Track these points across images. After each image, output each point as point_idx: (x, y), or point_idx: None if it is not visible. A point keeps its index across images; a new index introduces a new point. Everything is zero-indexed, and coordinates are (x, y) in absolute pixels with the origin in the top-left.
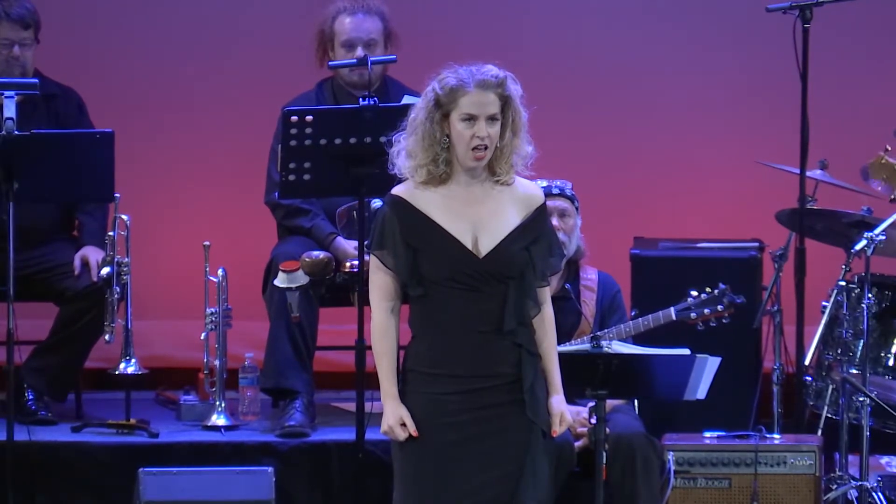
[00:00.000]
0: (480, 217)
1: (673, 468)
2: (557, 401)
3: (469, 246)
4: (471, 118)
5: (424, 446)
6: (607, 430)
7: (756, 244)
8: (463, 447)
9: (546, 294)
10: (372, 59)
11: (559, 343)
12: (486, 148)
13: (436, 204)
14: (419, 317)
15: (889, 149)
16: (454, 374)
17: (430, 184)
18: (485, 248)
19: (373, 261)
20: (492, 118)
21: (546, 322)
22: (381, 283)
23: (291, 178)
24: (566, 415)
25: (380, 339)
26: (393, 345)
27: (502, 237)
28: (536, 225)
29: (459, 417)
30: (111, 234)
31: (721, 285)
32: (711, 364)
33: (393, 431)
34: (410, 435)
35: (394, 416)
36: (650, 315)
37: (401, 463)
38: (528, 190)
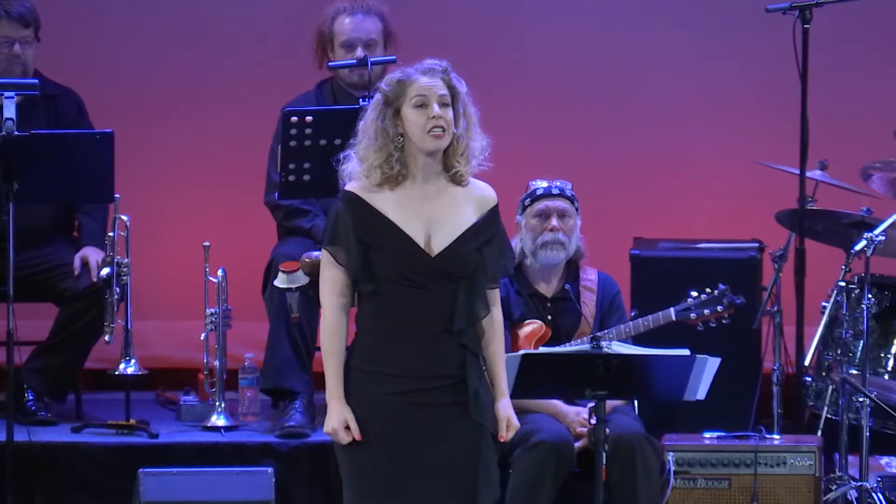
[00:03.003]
0: (434, 215)
1: (673, 468)
2: (504, 405)
3: (421, 244)
4: (422, 103)
5: (368, 448)
6: (607, 430)
7: (756, 244)
8: (408, 449)
9: (496, 296)
10: (372, 59)
11: (559, 343)
12: (443, 130)
13: (390, 201)
14: (367, 313)
15: None
16: (397, 374)
17: (386, 185)
18: (437, 246)
19: (325, 256)
20: (443, 102)
21: (495, 324)
22: (332, 279)
23: (291, 178)
24: (513, 419)
25: (330, 338)
26: (342, 344)
27: (456, 237)
28: (490, 226)
29: (402, 418)
30: (111, 234)
31: (721, 286)
32: (711, 364)
33: (336, 434)
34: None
35: (338, 419)
36: (650, 315)
37: (346, 466)
38: (483, 191)
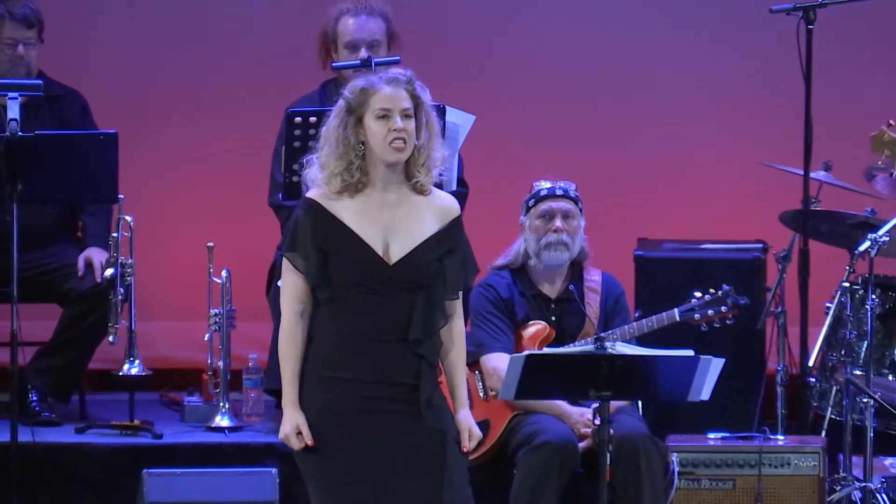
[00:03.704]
0: (394, 223)
1: (677, 469)
2: (465, 415)
3: (380, 252)
4: (385, 115)
5: (323, 454)
6: (611, 431)
7: (760, 245)
8: (364, 455)
9: (456, 307)
10: (375, 60)
11: (563, 344)
12: (404, 142)
13: (350, 209)
14: (325, 318)
15: (892, 123)
16: (352, 379)
17: (346, 192)
18: (396, 255)
19: (284, 263)
20: (406, 115)
21: (455, 335)
22: (292, 285)
23: (295, 179)
24: (475, 429)
25: (287, 345)
26: (299, 350)
27: (415, 245)
28: (451, 237)
29: (357, 424)
30: (115, 235)
31: (725, 286)
32: (715, 365)
33: (289, 440)
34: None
35: (290, 424)
36: (654, 316)
37: (305, 471)
38: (445, 201)
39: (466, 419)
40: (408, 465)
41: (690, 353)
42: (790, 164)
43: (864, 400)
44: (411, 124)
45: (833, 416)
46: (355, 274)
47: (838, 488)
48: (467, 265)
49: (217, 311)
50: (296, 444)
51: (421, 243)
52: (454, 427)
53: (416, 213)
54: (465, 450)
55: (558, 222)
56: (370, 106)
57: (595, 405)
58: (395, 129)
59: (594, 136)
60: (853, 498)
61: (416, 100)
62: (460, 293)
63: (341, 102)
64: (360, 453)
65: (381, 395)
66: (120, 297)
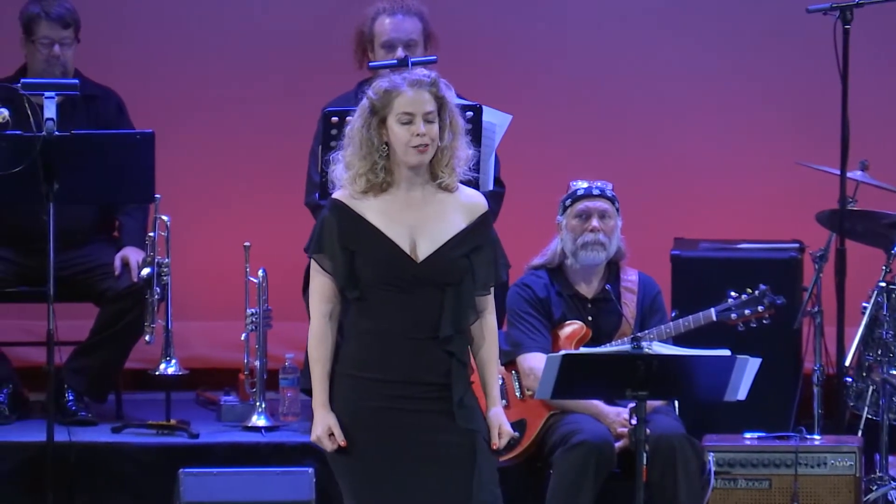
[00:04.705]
0: (420, 221)
1: (713, 469)
2: (495, 413)
3: (407, 250)
4: (409, 118)
5: (355, 455)
6: (648, 430)
7: (796, 245)
8: (396, 455)
9: (488, 303)
10: (412, 59)
11: (600, 344)
12: (426, 145)
13: (375, 208)
14: (354, 318)
15: None
16: (383, 380)
17: (370, 192)
18: (423, 253)
19: (312, 264)
20: (429, 119)
21: (486, 331)
22: (320, 286)
23: None
24: (505, 426)
25: (317, 346)
26: (328, 352)
27: (442, 243)
28: (479, 233)
29: (389, 424)
30: (151, 234)
31: (761, 286)
32: (752, 365)
33: (321, 442)
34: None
35: (322, 426)
36: (690, 316)
37: (338, 472)
38: (472, 198)
39: (497, 416)
40: (438, 465)
41: (727, 352)
42: (827, 163)
43: None
44: (434, 128)
45: (869, 416)
46: (383, 273)
47: (875, 488)
48: (497, 260)
49: (253, 310)
50: (328, 446)
51: (448, 240)
52: (485, 426)
53: (442, 211)
54: (494, 447)
55: (595, 222)
56: (393, 109)
57: (631, 405)
58: (417, 135)
59: (630, 136)
60: (890, 498)
61: (439, 101)
62: (491, 289)
63: (365, 102)
64: (390, 453)
65: (412, 394)
66: (156, 296)
